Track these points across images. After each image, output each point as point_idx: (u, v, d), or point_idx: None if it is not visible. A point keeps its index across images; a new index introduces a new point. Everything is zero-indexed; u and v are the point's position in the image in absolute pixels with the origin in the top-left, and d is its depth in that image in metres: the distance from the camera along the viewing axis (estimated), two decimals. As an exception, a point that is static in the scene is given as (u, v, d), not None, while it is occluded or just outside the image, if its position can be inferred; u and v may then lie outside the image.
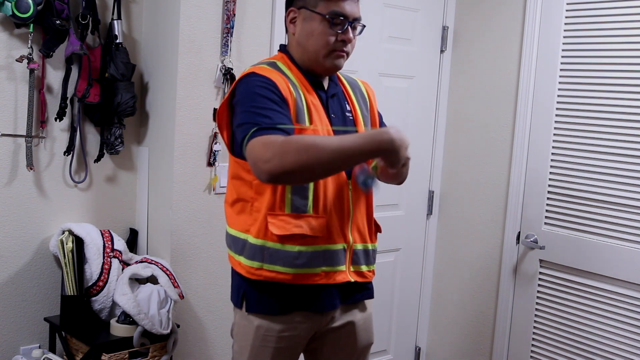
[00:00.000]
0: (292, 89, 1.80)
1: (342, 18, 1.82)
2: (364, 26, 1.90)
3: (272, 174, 1.59)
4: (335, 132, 1.85)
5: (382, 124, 2.08)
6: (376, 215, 2.05)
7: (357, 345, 2.01)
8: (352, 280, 1.92)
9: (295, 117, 1.77)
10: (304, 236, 1.80)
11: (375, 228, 2.02)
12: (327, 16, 1.81)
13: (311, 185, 1.80)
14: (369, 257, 1.98)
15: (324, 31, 1.82)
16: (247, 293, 1.87)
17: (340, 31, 1.83)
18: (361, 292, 2.00)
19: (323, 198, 1.83)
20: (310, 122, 1.82)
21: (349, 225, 1.89)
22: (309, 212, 1.81)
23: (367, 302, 2.05)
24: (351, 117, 1.94)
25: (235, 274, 1.93)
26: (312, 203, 1.81)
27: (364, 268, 1.97)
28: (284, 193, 1.79)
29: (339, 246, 1.88)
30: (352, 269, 1.93)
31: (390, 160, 1.66)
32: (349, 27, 1.83)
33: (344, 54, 1.87)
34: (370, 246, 1.98)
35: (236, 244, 1.88)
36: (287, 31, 1.93)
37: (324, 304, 1.90)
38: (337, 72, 1.98)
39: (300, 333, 1.90)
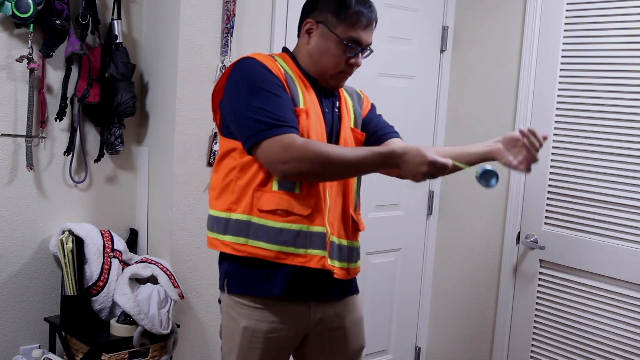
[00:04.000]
0: (282, 71, 1.85)
1: (357, 44, 1.87)
2: (372, 51, 1.95)
3: (287, 175, 1.75)
4: (325, 125, 1.90)
5: (372, 123, 2.09)
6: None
7: (347, 351, 1.99)
8: (330, 268, 1.86)
9: (290, 97, 1.82)
10: (289, 213, 1.81)
11: (353, 225, 1.96)
12: (344, 41, 1.86)
13: None
14: (342, 253, 1.92)
15: (337, 54, 1.88)
16: (229, 273, 1.89)
17: (352, 55, 1.88)
18: (336, 288, 1.94)
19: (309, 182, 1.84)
20: (306, 105, 1.85)
21: (326, 214, 1.87)
22: (296, 191, 1.81)
23: (355, 303, 2.01)
24: (338, 114, 1.97)
25: (221, 257, 1.94)
26: (299, 183, 1.82)
27: (342, 265, 1.92)
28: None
29: (322, 229, 1.85)
30: (329, 262, 1.88)
31: (406, 171, 1.71)
32: (360, 53, 1.90)
33: (349, 76, 1.94)
34: (345, 242, 1.93)
35: (218, 224, 1.88)
36: (299, 36, 1.95)
37: (301, 290, 1.87)
38: None
39: (288, 334, 1.90)
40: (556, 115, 2.98)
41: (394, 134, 2.07)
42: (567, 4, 2.93)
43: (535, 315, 3.08)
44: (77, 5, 2.56)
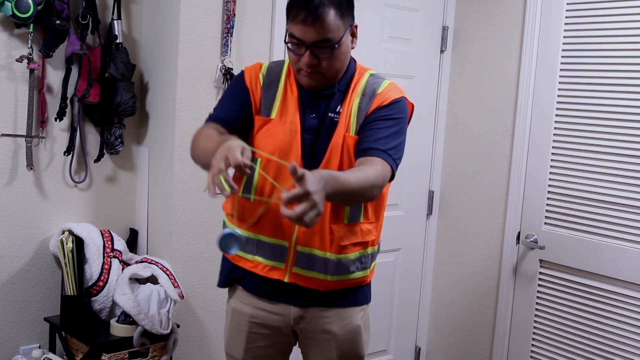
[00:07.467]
0: (262, 79, 1.90)
1: (298, 42, 1.76)
2: (334, 47, 1.76)
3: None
4: (303, 132, 1.85)
5: (365, 129, 1.86)
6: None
7: (336, 357, 1.94)
8: (286, 280, 1.87)
9: (258, 106, 1.90)
10: (240, 219, 1.91)
11: (331, 237, 1.86)
12: (286, 37, 1.80)
13: (256, 174, 1.86)
14: (328, 266, 1.86)
15: (289, 51, 1.82)
16: (220, 268, 2.05)
17: (297, 53, 1.78)
18: (324, 298, 1.91)
19: (263, 188, 1.86)
20: (278, 114, 1.87)
21: (295, 225, 1.78)
22: (251, 198, 1.89)
23: (351, 312, 1.95)
24: (336, 119, 1.86)
25: None
26: (254, 190, 1.88)
27: (318, 275, 1.87)
28: (242, 177, 1.90)
29: (277, 242, 1.87)
30: (295, 270, 1.87)
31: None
32: (309, 50, 1.75)
33: (310, 75, 1.81)
34: (330, 255, 1.85)
35: None
36: None
37: (265, 292, 1.92)
38: (365, 71, 1.94)
39: (272, 324, 1.93)
40: (556, 115, 2.98)
41: (375, 152, 1.78)
42: (567, 4, 2.93)
43: (535, 315, 3.08)
44: (77, 5, 2.56)
